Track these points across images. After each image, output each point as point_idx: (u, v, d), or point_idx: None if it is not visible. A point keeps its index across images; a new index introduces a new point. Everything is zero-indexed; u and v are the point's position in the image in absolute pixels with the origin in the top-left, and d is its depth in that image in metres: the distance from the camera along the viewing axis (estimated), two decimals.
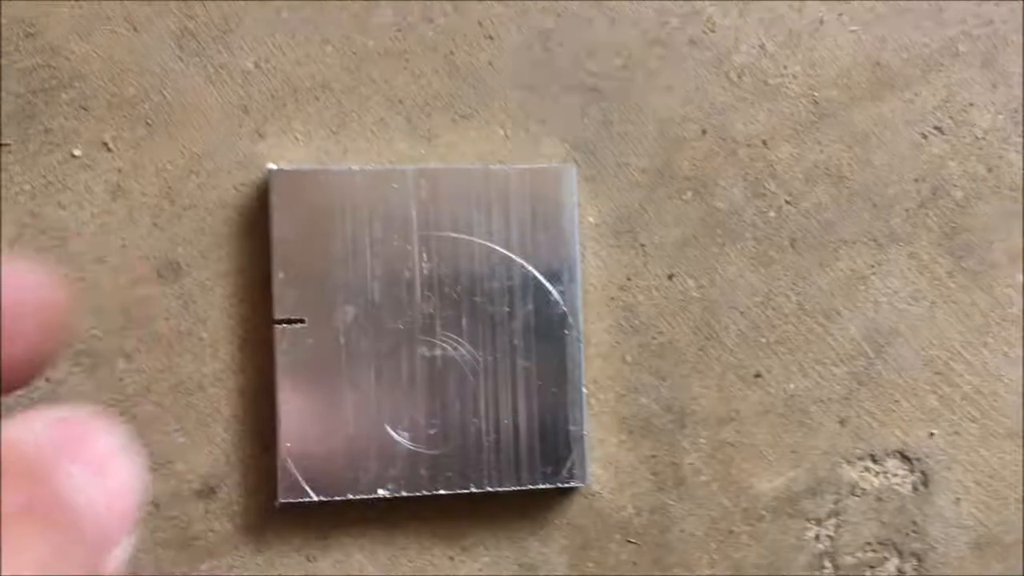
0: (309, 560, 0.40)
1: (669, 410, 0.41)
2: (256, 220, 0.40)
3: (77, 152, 0.40)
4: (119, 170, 0.40)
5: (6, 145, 0.40)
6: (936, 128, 0.42)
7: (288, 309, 0.40)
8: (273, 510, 0.40)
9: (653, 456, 0.41)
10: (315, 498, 0.39)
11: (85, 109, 0.40)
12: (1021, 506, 0.42)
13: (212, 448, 0.40)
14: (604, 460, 0.41)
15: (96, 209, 0.40)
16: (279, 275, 0.40)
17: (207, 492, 0.40)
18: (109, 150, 0.40)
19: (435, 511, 0.41)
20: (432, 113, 0.41)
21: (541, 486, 0.39)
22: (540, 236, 0.40)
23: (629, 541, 0.41)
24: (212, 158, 0.40)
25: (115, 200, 0.40)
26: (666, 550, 0.41)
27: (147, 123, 0.40)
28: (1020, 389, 0.42)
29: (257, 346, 0.40)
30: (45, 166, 0.40)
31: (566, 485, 0.40)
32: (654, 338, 0.42)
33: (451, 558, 0.41)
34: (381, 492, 0.39)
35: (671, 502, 0.41)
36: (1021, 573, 0.42)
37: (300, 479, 0.39)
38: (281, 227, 0.39)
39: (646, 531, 0.41)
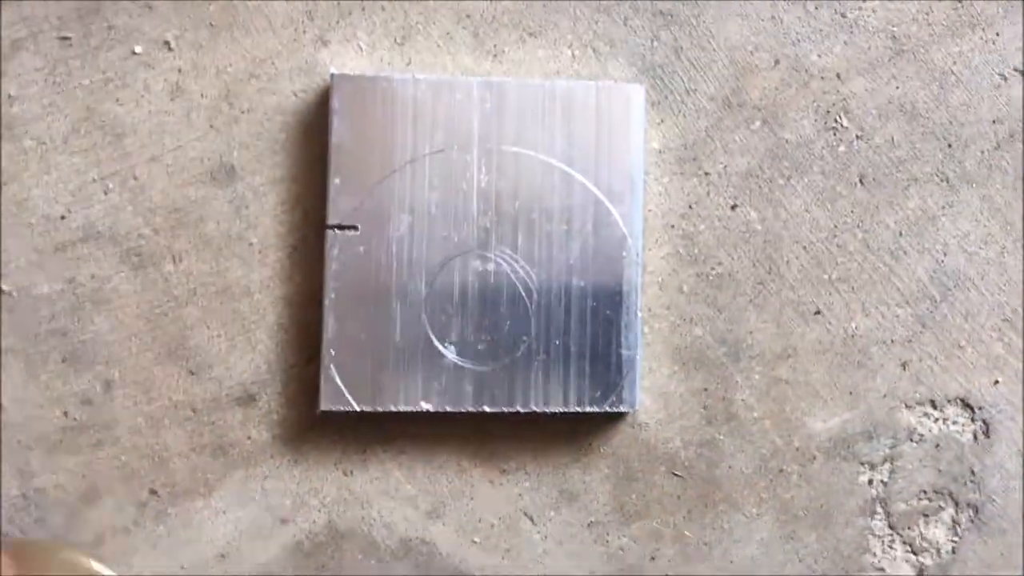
0: (345, 475, 0.40)
1: (724, 343, 0.41)
2: (314, 127, 0.40)
3: (138, 49, 0.40)
4: (179, 70, 0.40)
5: (66, 39, 0.40)
6: (1016, 69, 0.41)
7: (342, 215, 0.39)
8: (312, 422, 0.40)
9: (704, 389, 0.41)
10: (356, 408, 0.39)
11: (149, 8, 0.40)
12: None
13: (255, 356, 0.40)
14: (654, 391, 0.41)
15: (153, 108, 0.40)
16: (335, 181, 0.39)
17: (247, 400, 0.40)
18: (170, 49, 0.40)
19: (477, 432, 0.40)
20: (500, 29, 0.40)
21: (589, 409, 0.39)
22: (603, 156, 0.40)
23: (675, 474, 0.41)
24: (274, 63, 0.40)
25: (173, 100, 0.40)
26: (712, 486, 0.41)
27: (211, 24, 0.40)
28: None
29: (307, 254, 0.40)
30: (105, 62, 0.40)
31: (614, 410, 0.39)
32: (713, 269, 0.41)
33: (491, 481, 0.40)
34: (424, 405, 0.39)
35: (720, 437, 0.41)
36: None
37: (342, 387, 0.39)
38: (340, 132, 0.39)
39: (693, 465, 0.41)
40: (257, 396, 0.40)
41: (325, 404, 0.39)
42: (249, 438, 0.40)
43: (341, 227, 0.39)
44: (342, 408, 0.39)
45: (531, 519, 0.41)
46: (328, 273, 0.39)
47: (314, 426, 0.40)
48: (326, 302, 0.39)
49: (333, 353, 0.39)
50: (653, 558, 0.41)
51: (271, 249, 0.41)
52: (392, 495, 0.40)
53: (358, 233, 0.39)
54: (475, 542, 0.40)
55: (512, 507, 0.40)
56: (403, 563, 0.40)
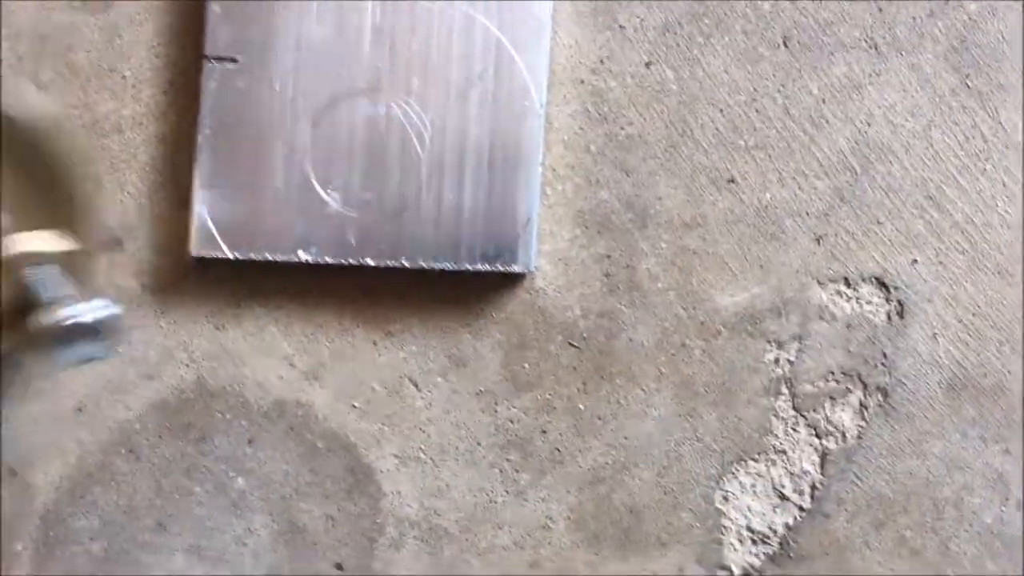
0: (218, 329, 0.38)
1: (630, 208, 0.39)
2: None
3: None
4: None
5: None
6: None
7: (221, 46, 0.37)
8: (183, 271, 0.38)
9: (607, 256, 0.39)
10: (230, 255, 0.37)
11: None
12: (1003, 348, 0.40)
13: (123, 197, 0.38)
14: (553, 256, 0.39)
15: None
16: (214, 8, 0.37)
17: (113, 244, 0.38)
18: None
19: (361, 289, 0.38)
20: None
21: (481, 267, 0.37)
22: (506, 3, 0.37)
23: (571, 344, 0.39)
24: None
25: None
26: (611, 358, 0.39)
27: None
28: (1017, 222, 0.40)
29: (184, 91, 0.38)
30: None
31: (508, 270, 0.37)
32: (623, 128, 0.39)
33: (374, 342, 0.39)
34: (303, 256, 0.37)
35: (622, 307, 0.39)
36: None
37: (215, 233, 0.37)
38: None
39: (591, 336, 0.39)
40: (124, 241, 0.38)
41: (196, 250, 0.37)
42: (114, 285, 0.38)
43: (220, 59, 0.37)
44: (214, 254, 0.37)
45: (416, 385, 0.39)
46: (204, 108, 0.37)
47: (185, 276, 0.38)
48: (200, 139, 0.37)
49: (206, 195, 0.37)
50: (544, 431, 0.39)
51: (145, 84, 0.38)
52: (267, 353, 0.38)
53: (238, 66, 0.37)
54: (355, 407, 0.39)
55: (396, 372, 0.39)
56: (276, 425, 0.39)
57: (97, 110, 0.38)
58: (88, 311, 0.31)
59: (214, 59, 0.37)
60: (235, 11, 0.37)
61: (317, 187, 0.37)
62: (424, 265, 0.37)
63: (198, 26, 0.37)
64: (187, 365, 0.38)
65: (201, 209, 0.37)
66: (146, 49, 0.38)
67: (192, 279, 0.38)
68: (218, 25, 0.37)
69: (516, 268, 0.37)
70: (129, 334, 0.38)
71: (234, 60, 0.37)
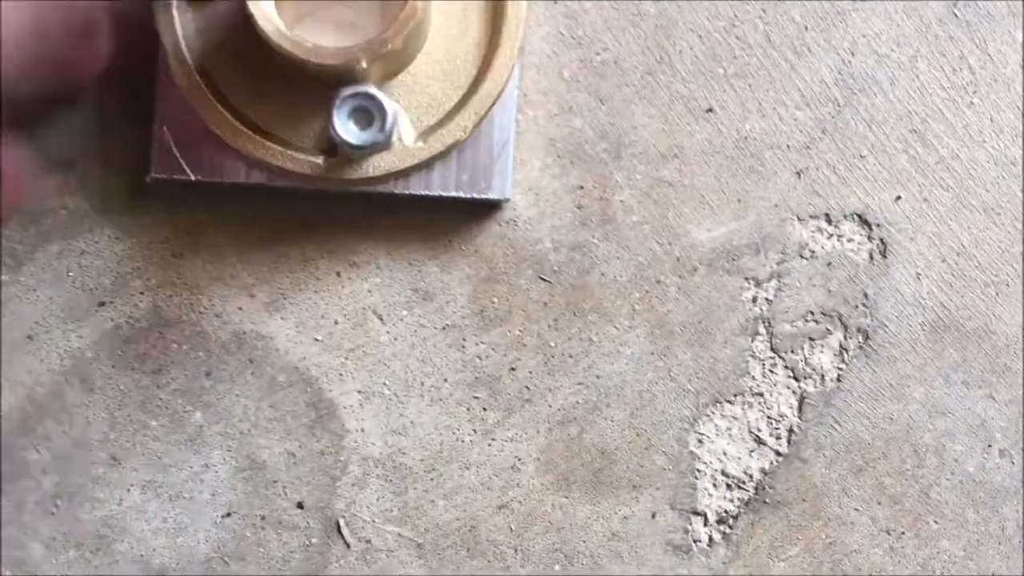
0: (175, 256, 0.37)
1: (605, 137, 0.38)
2: None
3: None
4: None
5: None
6: None
7: None
8: (137, 195, 0.37)
9: (580, 187, 0.38)
10: (192, 177, 0.36)
11: None
12: (988, 290, 0.39)
13: (72, 114, 0.37)
14: (524, 185, 0.38)
15: None
16: None
17: (64, 164, 0.37)
18: None
19: (325, 218, 0.37)
20: None
21: (455, 194, 0.36)
22: None
23: (542, 278, 0.38)
24: None
25: None
26: (583, 293, 0.38)
27: None
28: (1002, 159, 0.39)
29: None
30: None
31: (484, 197, 0.36)
32: (597, 54, 0.38)
33: (338, 273, 0.38)
34: (260, 179, 0.36)
35: (595, 240, 0.38)
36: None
37: (176, 153, 0.36)
38: None
39: (562, 270, 0.38)
40: (75, 161, 0.37)
41: (156, 171, 0.36)
42: (64, 208, 0.37)
43: None
44: (175, 176, 0.36)
45: (380, 318, 0.38)
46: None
47: (140, 200, 0.37)
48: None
49: (168, 113, 0.36)
50: (513, 368, 0.38)
51: None
52: (226, 282, 0.38)
53: None
54: (317, 340, 0.38)
55: (360, 304, 0.38)
56: (235, 357, 0.38)
57: None
58: None
59: None
60: None
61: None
62: (394, 191, 0.36)
63: None
64: (142, 293, 0.37)
65: (162, 127, 0.35)
66: None
67: (147, 202, 0.37)
68: None
69: (492, 195, 0.36)
70: (81, 258, 0.37)
71: None
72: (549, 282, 0.38)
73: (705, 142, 0.38)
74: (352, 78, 0.33)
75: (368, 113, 0.32)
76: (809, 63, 0.39)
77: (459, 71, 0.35)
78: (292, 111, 0.35)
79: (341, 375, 0.38)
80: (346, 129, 0.32)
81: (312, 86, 0.34)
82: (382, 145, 0.32)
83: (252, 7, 0.32)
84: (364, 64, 0.32)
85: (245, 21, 0.32)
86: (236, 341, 0.38)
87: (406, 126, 0.35)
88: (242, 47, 0.34)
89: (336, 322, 0.38)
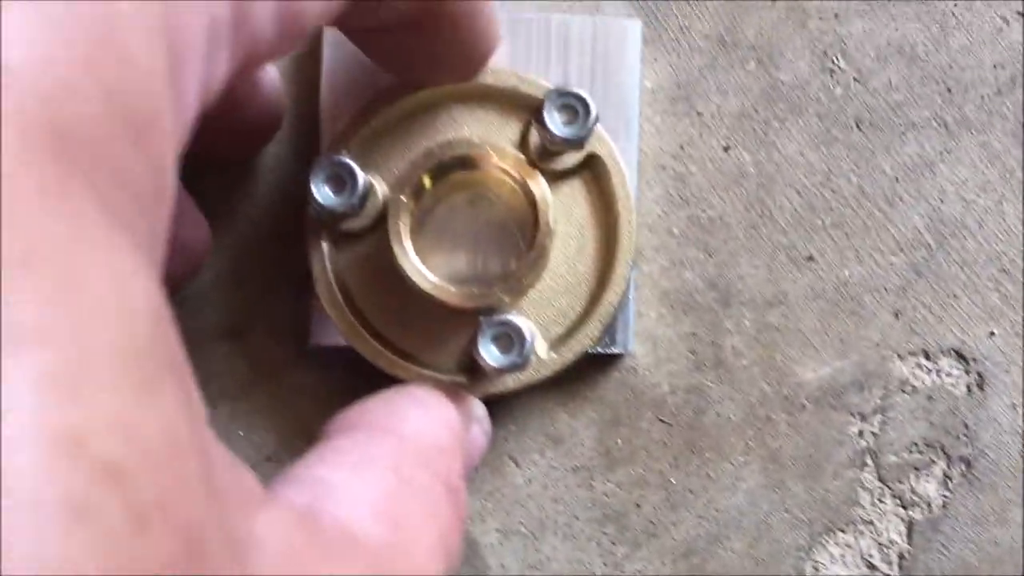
0: (334, 411, 0.42)
1: (714, 288, 0.43)
2: (306, 57, 0.42)
3: None
4: None
5: None
6: (1019, 13, 0.43)
7: (334, 147, 0.41)
8: (299, 358, 0.42)
9: (693, 334, 0.43)
10: (345, 343, 0.40)
11: None
12: None
13: (241, 290, 0.42)
14: (642, 335, 0.42)
15: None
16: (327, 114, 0.41)
17: (232, 333, 0.42)
18: None
19: None
20: None
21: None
22: (598, 91, 0.41)
23: (661, 420, 0.42)
24: None
25: None
26: (699, 433, 0.42)
27: None
28: None
29: (296, 191, 0.42)
30: None
31: (607, 351, 0.41)
32: (704, 211, 0.43)
33: None
34: None
35: (709, 383, 0.43)
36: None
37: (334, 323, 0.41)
38: (333, 66, 0.41)
39: (680, 411, 0.42)
40: (243, 332, 0.42)
41: (315, 339, 0.41)
42: (232, 373, 0.42)
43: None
44: (332, 343, 0.40)
45: (515, 462, 0.42)
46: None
47: (302, 361, 0.42)
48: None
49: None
50: (638, 504, 0.42)
51: (259, 182, 0.42)
52: None
53: None
54: None
55: (497, 450, 0.42)
56: None
57: (215, 208, 0.42)
58: None
59: None
60: (346, 116, 0.41)
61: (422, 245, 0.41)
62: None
63: (306, 129, 0.42)
64: (303, 447, 0.42)
65: (319, 299, 0.41)
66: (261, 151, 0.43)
67: (308, 363, 0.42)
68: (330, 129, 0.41)
69: (615, 349, 0.41)
70: (248, 418, 0.42)
71: None
72: (668, 424, 0.43)
73: (807, 288, 0.43)
74: (490, 308, 0.38)
75: (509, 339, 0.37)
76: (901, 211, 0.43)
77: (581, 283, 0.40)
78: (433, 335, 0.40)
79: (482, 516, 0.42)
80: (490, 354, 0.37)
81: (451, 315, 0.38)
82: (521, 365, 0.37)
83: (403, 263, 0.37)
84: (506, 300, 0.37)
85: (389, 263, 0.38)
86: None
87: (539, 342, 0.39)
88: (384, 281, 0.39)
89: (476, 467, 0.42)
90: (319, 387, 0.42)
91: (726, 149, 0.43)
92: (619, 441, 0.43)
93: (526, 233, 0.39)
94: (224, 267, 0.42)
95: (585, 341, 0.39)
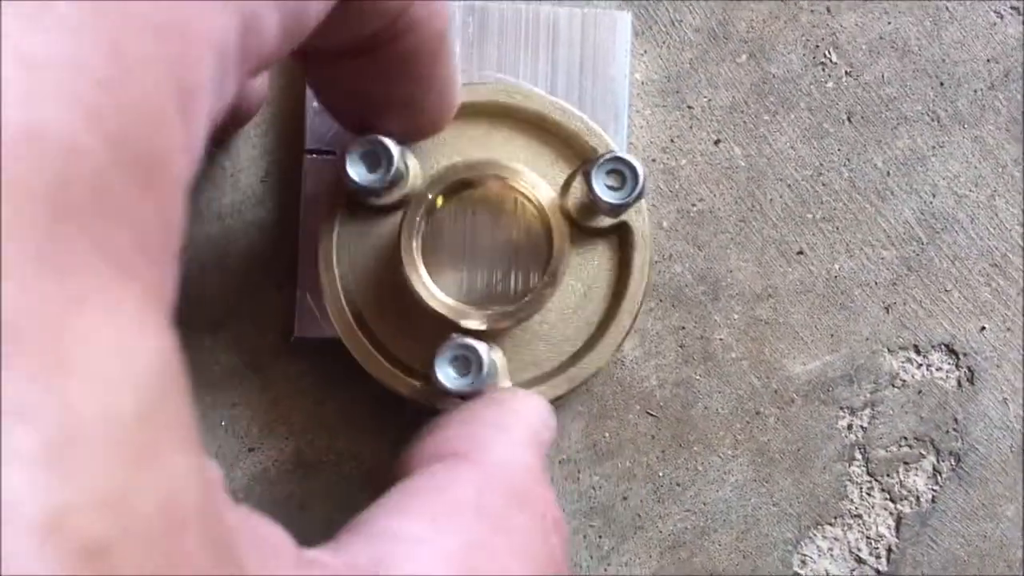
0: (316, 403, 0.43)
1: (703, 281, 0.43)
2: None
3: None
4: None
5: None
6: (1013, 8, 0.44)
7: (320, 140, 0.42)
8: (283, 350, 0.43)
9: (682, 328, 0.43)
10: (331, 335, 0.41)
11: None
12: None
13: (225, 280, 0.43)
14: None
15: None
16: (314, 104, 0.42)
17: (216, 324, 0.43)
18: None
19: None
20: None
21: None
22: (587, 84, 0.42)
23: (649, 414, 0.43)
24: None
25: None
26: (687, 426, 0.43)
27: None
28: None
29: (280, 180, 0.43)
30: None
31: None
32: (694, 205, 0.43)
33: None
34: None
35: (697, 377, 0.43)
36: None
37: (318, 314, 0.41)
38: None
39: (668, 405, 0.43)
40: (226, 321, 0.43)
41: (300, 331, 0.41)
42: (217, 364, 0.43)
43: (320, 152, 0.42)
44: (317, 335, 0.41)
45: None
46: (305, 198, 0.42)
47: (285, 353, 0.43)
48: (302, 229, 0.42)
49: (310, 284, 0.41)
50: (625, 497, 0.43)
51: (242, 173, 0.43)
52: (361, 427, 0.43)
53: (336, 157, 0.42)
54: None
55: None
56: (366, 494, 0.43)
57: (199, 199, 0.43)
58: None
59: (314, 152, 0.42)
60: None
61: (440, 259, 0.42)
62: None
63: (293, 116, 0.43)
64: (286, 438, 0.43)
65: (304, 294, 0.41)
66: (243, 142, 0.43)
67: (292, 356, 0.43)
68: (316, 120, 0.42)
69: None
70: (232, 410, 0.43)
71: (333, 153, 0.42)
72: (656, 417, 0.43)
73: (797, 282, 0.43)
74: (492, 331, 0.39)
75: (468, 362, 0.37)
76: (892, 206, 0.43)
77: (566, 341, 0.41)
78: (410, 335, 0.40)
79: None
80: (446, 375, 0.37)
81: (448, 326, 0.39)
82: (471, 394, 0.37)
83: (415, 283, 0.38)
84: (506, 324, 0.38)
85: (394, 269, 0.39)
86: (367, 478, 0.43)
87: (504, 378, 0.39)
88: (388, 293, 0.40)
89: None
90: (303, 379, 0.43)
91: (716, 142, 0.44)
92: (606, 434, 0.43)
93: (539, 259, 0.40)
94: (208, 258, 0.43)
95: (548, 392, 0.40)
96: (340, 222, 0.40)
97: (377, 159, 0.37)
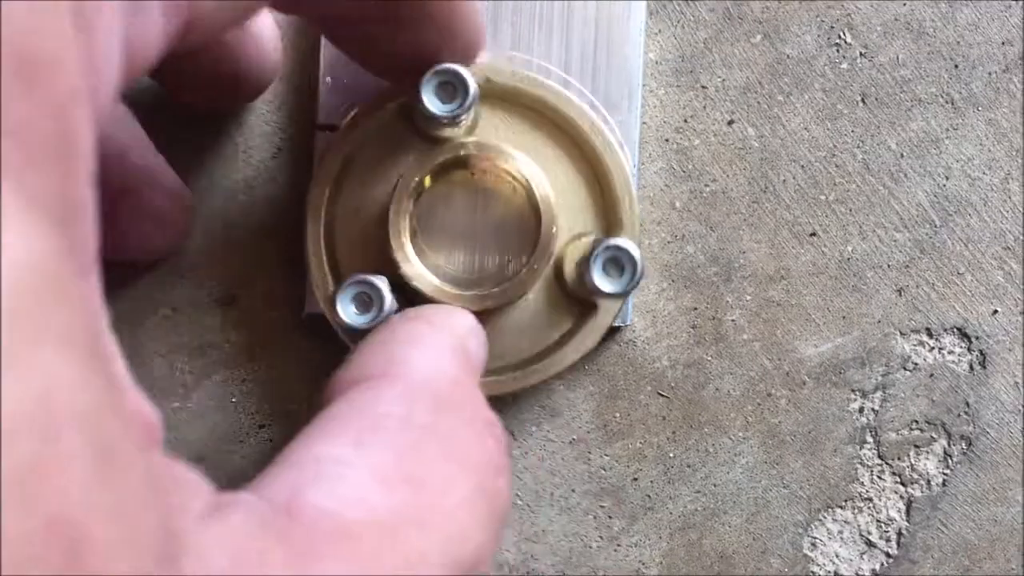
0: (326, 376, 0.43)
1: (715, 262, 0.43)
2: (305, 26, 0.43)
3: None
4: None
5: None
6: None
7: (332, 115, 0.42)
8: (293, 327, 0.43)
9: (694, 308, 0.43)
10: None
11: None
12: None
13: (237, 256, 0.43)
14: (642, 308, 0.43)
15: None
16: (326, 79, 0.42)
17: (227, 300, 0.43)
18: None
19: None
20: None
21: None
22: (601, 63, 0.42)
23: (660, 394, 0.43)
24: None
25: None
26: (699, 407, 0.43)
27: None
28: None
29: (291, 156, 0.43)
30: None
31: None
32: (707, 185, 0.44)
33: None
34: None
35: (709, 358, 0.43)
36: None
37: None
38: None
39: (679, 386, 0.43)
40: (239, 297, 0.43)
41: (310, 308, 0.42)
42: (228, 342, 0.43)
43: (331, 127, 0.42)
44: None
45: (511, 433, 0.43)
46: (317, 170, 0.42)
47: (296, 329, 0.43)
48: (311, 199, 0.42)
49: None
50: (635, 478, 0.43)
51: (255, 150, 0.43)
52: None
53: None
54: None
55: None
56: None
57: (211, 175, 0.43)
58: None
59: (326, 128, 0.42)
60: (344, 84, 0.42)
61: (431, 240, 0.42)
62: None
63: (305, 92, 0.43)
64: (296, 413, 0.43)
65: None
66: (255, 117, 0.43)
67: (303, 332, 0.43)
68: (329, 97, 0.42)
69: (615, 322, 0.42)
70: (242, 386, 0.43)
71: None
72: (667, 397, 0.43)
73: (810, 264, 0.44)
74: (487, 309, 0.39)
75: (369, 299, 0.38)
76: (906, 188, 0.44)
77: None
78: None
79: None
80: (346, 311, 0.38)
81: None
82: (629, 292, 0.38)
83: (402, 263, 0.39)
84: (491, 305, 0.39)
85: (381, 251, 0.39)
86: None
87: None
88: (375, 271, 0.40)
89: None
90: (313, 355, 0.43)
91: (730, 123, 0.44)
92: (617, 415, 0.44)
93: (527, 242, 0.40)
94: (217, 234, 0.43)
95: (509, 386, 0.41)
96: (329, 201, 0.40)
97: (453, 90, 0.37)
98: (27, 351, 0.17)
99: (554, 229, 0.39)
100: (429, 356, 0.31)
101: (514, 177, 0.40)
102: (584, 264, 0.38)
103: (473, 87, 0.37)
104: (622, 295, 0.38)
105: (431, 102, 0.37)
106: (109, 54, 0.22)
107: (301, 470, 0.25)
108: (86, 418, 0.18)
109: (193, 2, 0.24)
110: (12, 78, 0.19)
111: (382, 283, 0.38)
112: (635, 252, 0.37)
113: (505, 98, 0.41)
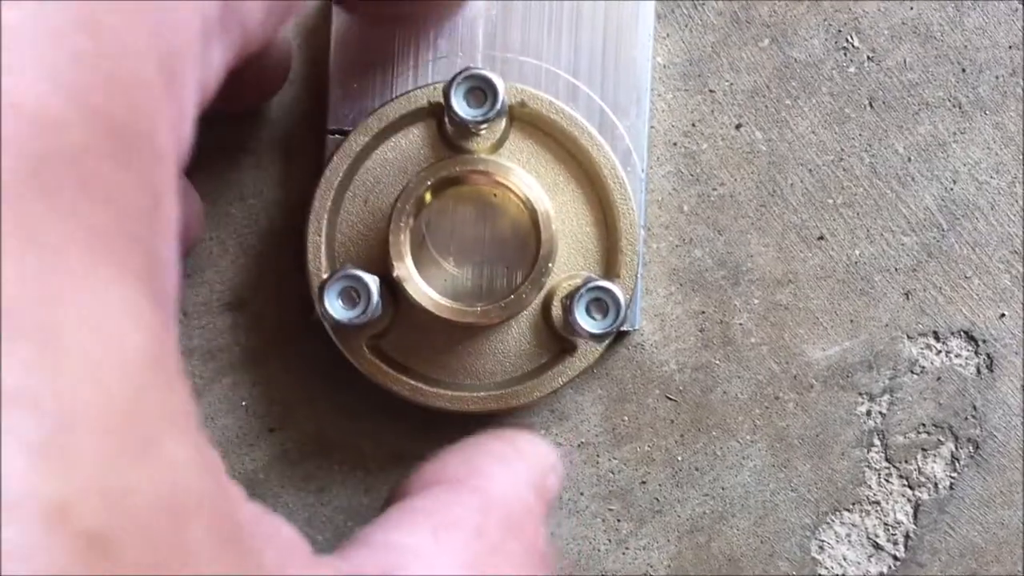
0: (338, 384, 0.43)
1: (723, 266, 0.44)
2: (314, 30, 0.43)
3: None
4: None
5: None
6: None
7: (342, 120, 0.42)
8: (304, 331, 0.43)
9: (702, 312, 0.44)
10: None
11: None
12: None
13: (246, 260, 0.43)
14: (650, 312, 0.44)
15: None
16: (336, 84, 0.42)
17: (237, 304, 0.43)
18: None
19: None
20: None
21: None
22: (610, 67, 0.43)
23: (668, 398, 0.44)
24: None
25: None
26: (707, 411, 0.44)
27: None
28: None
29: (300, 161, 0.43)
30: None
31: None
32: (715, 189, 0.44)
33: None
34: None
35: (716, 362, 0.44)
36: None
37: None
38: (341, 39, 0.42)
39: (687, 389, 0.44)
40: (248, 302, 0.43)
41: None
42: (239, 344, 0.43)
43: (342, 132, 0.42)
44: None
45: None
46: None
47: (307, 333, 0.43)
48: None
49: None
50: (643, 482, 0.44)
51: (264, 154, 0.44)
52: (382, 408, 0.44)
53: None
54: None
55: (503, 427, 0.44)
56: (391, 476, 0.44)
57: (220, 179, 0.44)
58: None
59: (336, 132, 0.42)
60: (354, 87, 0.42)
61: (433, 252, 0.42)
62: None
63: (316, 96, 0.43)
64: (307, 419, 0.44)
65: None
66: (265, 121, 0.44)
67: (314, 336, 0.43)
68: (339, 102, 0.42)
69: (623, 327, 0.42)
70: (253, 389, 0.43)
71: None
72: (675, 401, 0.44)
73: (817, 267, 0.44)
74: (491, 324, 0.41)
75: (356, 294, 0.39)
76: (913, 192, 0.44)
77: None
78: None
79: None
80: (333, 306, 0.39)
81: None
82: (359, 326, 0.39)
83: (403, 277, 0.39)
84: (492, 320, 0.40)
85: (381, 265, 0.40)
86: (393, 460, 0.44)
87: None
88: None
89: None
90: (323, 358, 0.44)
91: (738, 127, 0.44)
92: (625, 418, 0.44)
93: (527, 257, 0.40)
94: (229, 239, 0.43)
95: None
96: (327, 219, 0.41)
97: (483, 96, 0.38)
98: (155, 443, 0.18)
99: (553, 244, 0.39)
100: (510, 478, 0.32)
101: (513, 191, 0.40)
102: (569, 300, 0.39)
103: (503, 95, 0.38)
104: (601, 337, 0.39)
105: (460, 106, 0.38)
106: (189, 106, 0.22)
107: (386, 553, 0.26)
108: (203, 501, 0.19)
109: (244, 27, 0.24)
110: (109, 152, 0.19)
111: (371, 281, 0.38)
112: (621, 297, 0.38)
113: (537, 125, 0.42)
